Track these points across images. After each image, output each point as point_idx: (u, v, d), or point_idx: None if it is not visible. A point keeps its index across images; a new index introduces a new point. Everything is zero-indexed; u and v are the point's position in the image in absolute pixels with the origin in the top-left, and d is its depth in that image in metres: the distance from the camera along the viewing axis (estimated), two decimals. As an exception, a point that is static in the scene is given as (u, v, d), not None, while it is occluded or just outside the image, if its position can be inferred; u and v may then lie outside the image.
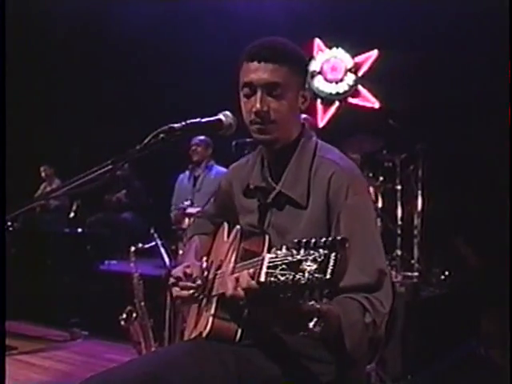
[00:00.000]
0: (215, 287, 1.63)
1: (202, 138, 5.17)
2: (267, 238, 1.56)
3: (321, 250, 1.13)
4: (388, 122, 4.78)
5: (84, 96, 7.47)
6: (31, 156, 7.22)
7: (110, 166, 1.38)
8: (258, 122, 1.55)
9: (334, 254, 1.11)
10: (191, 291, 1.64)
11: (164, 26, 6.78)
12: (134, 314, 3.34)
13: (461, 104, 5.39)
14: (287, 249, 1.20)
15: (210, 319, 1.55)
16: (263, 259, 1.24)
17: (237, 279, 1.34)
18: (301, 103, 1.61)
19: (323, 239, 1.14)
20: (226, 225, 1.80)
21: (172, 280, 1.68)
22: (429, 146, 4.75)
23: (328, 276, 1.10)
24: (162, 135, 1.42)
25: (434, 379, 3.66)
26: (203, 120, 1.51)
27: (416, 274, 4.49)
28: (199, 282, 1.65)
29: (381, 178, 4.77)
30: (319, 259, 1.12)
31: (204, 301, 1.67)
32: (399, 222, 4.77)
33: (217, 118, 1.54)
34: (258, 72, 1.53)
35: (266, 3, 6.33)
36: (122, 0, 6.82)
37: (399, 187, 4.81)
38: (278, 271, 1.18)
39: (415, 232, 4.76)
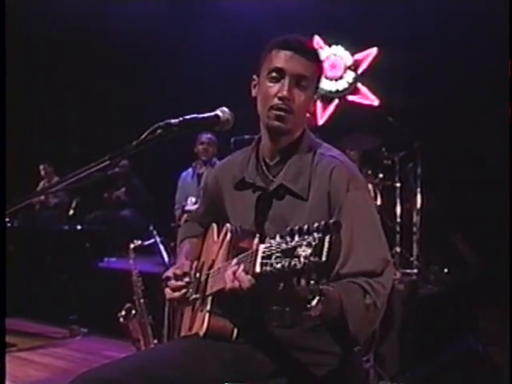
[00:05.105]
0: (209, 286, 1.63)
1: (209, 135, 5.02)
2: (258, 235, 1.54)
3: (315, 234, 1.14)
4: (387, 120, 4.78)
5: (83, 94, 7.47)
6: (30, 154, 7.22)
7: (107, 162, 1.38)
8: (280, 109, 1.58)
9: (328, 237, 1.13)
10: (182, 291, 1.66)
11: (162, 24, 6.78)
12: (133, 311, 3.35)
13: (460, 101, 5.39)
14: (281, 237, 1.21)
15: (206, 318, 1.56)
16: (257, 250, 1.26)
17: (234, 273, 1.36)
18: (311, 104, 1.66)
19: (316, 224, 1.15)
20: (214, 225, 1.81)
21: (163, 282, 1.69)
22: (428, 143, 4.75)
23: (324, 258, 1.12)
24: (159, 131, 1.42)
25: (432, 376, 3.67)
26: (200, 116, 1.52)
27: (415, 271, 4.49)
28: (187, 279, 1.66)
29: (380, 176, 4.78)
30: (314, 243, 1.13)
31: (198, 302, 1.68)
32: (398, 220, 4.77)
33: (214, 113, 1.54)
34: (291, 61, 1.58)
35: (266, 1, 6.32)
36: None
37: (398, 185, 4.81)
38: (273, 260, 1.20)
39: (414, 229, 4.77)
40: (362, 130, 4.89)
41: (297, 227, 1.18)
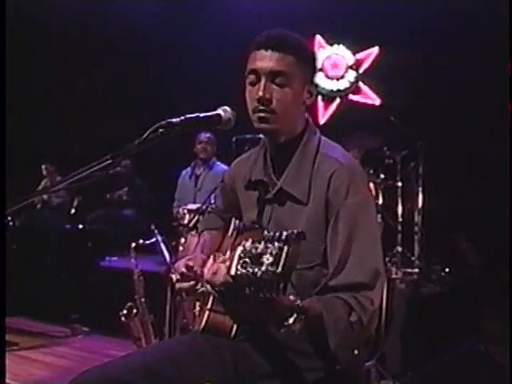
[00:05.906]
0: None
1: (208, 135, 5.06)
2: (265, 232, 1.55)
3: (276, 244, 1.13)
4: (389, 119, 4.77)
5: (85, 93, 7.48)
6: (32, 154, 7.22)
7: (109, 161, 1.38)
8: (260, 110, 1.54)
9: (286, 248, 1.11)
10: (192, 282, 1.63)
11: (162, 23, 6.78)
12: (135, 310, 3.35)
13: (461, 101, 5.39)
14: (252, 242, 1.19)
15: (206, 314, 1.56)
16: (235, 253, 1.24)
17: (216, 269, 1.36)
18: (306, 98, 1.60)
19: (284, 233, 1.14)
20: (232, 220, 1.79)
21: (175, 273, 1.67)
22: (429, 143, 4.75)
23: (279, 269, 1.10)
24: (160, 130, 1.41)
25: (433, 376, 3.67)
26: (202, 115, 1.51)
27: (416, 270, 4.49)
28: (199, 272, 1.64)
29: (381, 175, 4.76)
30: (274, 252, 1.12)
31: (206, 297, 1.68)
32: (400, 219, 4.77)
33: (216, 112, 1.54)
34: (263, 60, 1.54)
35: (267, 0, 6.32)
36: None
37: (400, 184, 4.80)
38: (243, 264, 1.18)
39: (416, 229, 4.77)
40: (364, 130, 4.88)
41: (271, 233, 1.16)
